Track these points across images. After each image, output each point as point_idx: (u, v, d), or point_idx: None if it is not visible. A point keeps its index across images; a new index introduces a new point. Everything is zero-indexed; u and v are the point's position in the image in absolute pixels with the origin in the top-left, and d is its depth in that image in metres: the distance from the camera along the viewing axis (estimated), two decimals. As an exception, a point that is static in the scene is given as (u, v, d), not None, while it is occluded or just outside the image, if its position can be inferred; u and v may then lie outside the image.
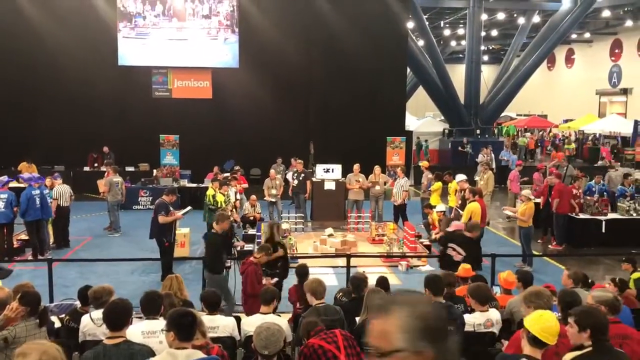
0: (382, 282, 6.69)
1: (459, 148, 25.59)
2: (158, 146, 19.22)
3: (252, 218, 14.25)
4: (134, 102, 21.06)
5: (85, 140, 20.04)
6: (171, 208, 10.88)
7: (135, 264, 11.29)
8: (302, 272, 7.10)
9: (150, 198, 17.50)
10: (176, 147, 19.22)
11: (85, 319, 5.46)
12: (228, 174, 15.94)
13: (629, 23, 33.12)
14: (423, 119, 33.83)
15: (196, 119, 21.02)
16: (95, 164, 20.02)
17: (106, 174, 15.62)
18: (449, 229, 9.56)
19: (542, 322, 3.83)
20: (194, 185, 18.29)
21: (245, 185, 16.25)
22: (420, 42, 27.51)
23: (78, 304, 6.19)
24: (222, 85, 21.61)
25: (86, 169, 19.91)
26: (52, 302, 7.59)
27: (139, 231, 14.44)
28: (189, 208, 11.72)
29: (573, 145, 33.84)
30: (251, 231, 13.43)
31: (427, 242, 13.24)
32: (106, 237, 14.25)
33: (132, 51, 21.25)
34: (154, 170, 19.04)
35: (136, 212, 17.13)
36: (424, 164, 16.89)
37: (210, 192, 12.53)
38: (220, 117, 21.24)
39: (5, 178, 12.88)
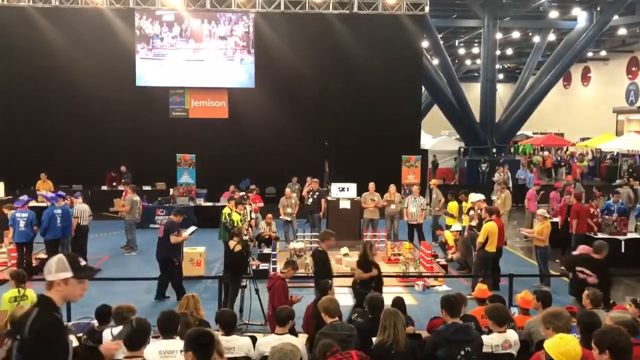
0: (399, 303, 6.65)
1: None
2: (175, 165, 19.40)
3: (267, 237, 14.28)
4: (152, 122, 21.34)
5: (103, 160, 20.31)
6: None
7: (151, 283, 11.32)
8: (324, 288, 7.14)
9: (167, 217, 17.59)
10: (192, 166, 19.38)
11: (106, 335, 5.50)
12: (244, 193, 16.02)
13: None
14: (438, 137, 33.80)
15: (212, 138, 21.23)
16: (114, 183, 20.23)
17: (124, 192, 15.78)
18: (575, 253, 9.16)
19: (562, 346, 3.77)
20: (210, 204, 18.40)
21: (261, 204, 16.30)
22: (435, 61, 27.61)
23: (95, 323, 6.23)
24: (238, 105, 21.83)
25: (104, 188, 20.13)
26: (69, 321, 7.64)
27: (155, 250, 14.53)
28: (194, 228, 11.73)
29: (585, 163, 33.55)
30: (266, 250, 13.45)
31: (443, 262, 13.16)
32: (123, 256, 14.35)
33: (149, 72, 21.59)
34: (171, 189, 19.20)
35: (153, 231, 17.12)
36: (434, 182, 16.84)
37: (226, 210, 12.59)
38: (236, 136, 21.43)
39: (25, 197, 13.07)
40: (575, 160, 34.88)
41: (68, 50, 20.79)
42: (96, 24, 21.03)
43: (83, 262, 3.57)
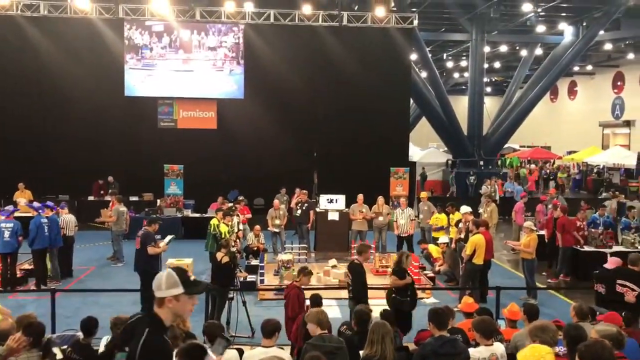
0: (387, 316, 6.64)
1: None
2: (162, 176, 19.31)
3: (255, 248, 14.22)
4: (140, 132, 21.27)
5: (90, 170, 20.16)
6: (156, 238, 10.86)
7: (138, 295, 11.21)
8: (316, 301, 7.14)
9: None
10: (180, 176, 19.30)
11: (102, 344, 5.47)
12: (232, 204, 15.96)
13: (630, 56, 33.46)
14: (426, 149, 33.96)
15: (201, 149, 21.19)
16: (101, 191, 20.08)
17: (111, 203, 15.68)
18: (607, 266, 8.97)
19: (534, 357, 3.77)
20: (198, 215, 18.31)
21: (249, 216, 16.25)
22: (424, 74, 27.80)
23: (80, 335, 6.16)
24: (227, 115, 21.83)
25: (91, 198, 19.98)
26: (54, 332, 7.55)
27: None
28: (170, 237, 11.57)
29: (564, 174, 33.87)
30: (254, 262, 13.38)
31: (431, 274, 13.17)
32: (109, 267, 14.22)
33: (138, 82, 21.55)
34: (158, 200, 19.09)
35: (139, 242, 17.10)
36: (424, 194, 16.91)
37: (214, 221, 12.54)
38: (225, 147, 21.40)
39: (11, 207, 12.94)
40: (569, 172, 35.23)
41: (56, 59, 20.71)
42: (85, 33, 20.98)
43: (192, 277, 3.44)
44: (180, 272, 3.36)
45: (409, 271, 8.97)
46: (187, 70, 21.66)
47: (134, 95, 21.47)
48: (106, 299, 10.85)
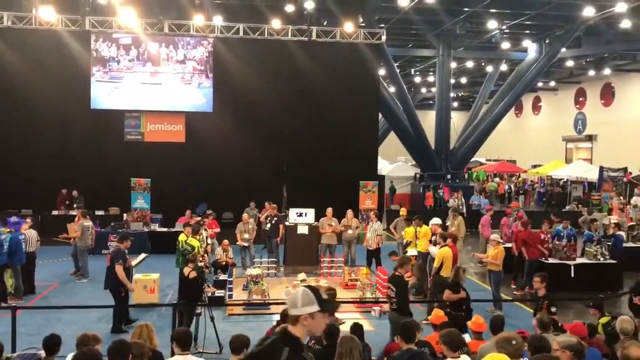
0: (357, 329, 6.64)
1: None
2: (129, 190, 19.03)
3: (224, 263, 14.09)
4: (106, 146, 20.96)
5: (55, 184, 19.77)
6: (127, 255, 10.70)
7: (103, 312, 10.99)
8: (284, 315, 7.11)
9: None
10: (147, 190, 19.06)
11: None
12: (200, 218, 15.80)
13: (591, 72, 34.49)
14: (395, 163, 34.27)
15: (169, 162, 20.97)
16: (67, 201, 19.67)
17: (77, 218, 15.37)
18: None
19: None
20: (165, 229, 18.08)
21: (217, 230, 16.12)
22: (392, 89, 28.13)
23: (42, 353, 5.99)
24: (196, 129, 21.69)
25: (55, 212, 19.56)
26: (14, 352, 7.33)
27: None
28: (143, 256, 11.43)
29: (493, 185, 34.66)
30: (222, 277, 13.26)
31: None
32: (73, 283, 13.90)
33: (105, 95, 21.27)
34: (125, 214, 18.80)
35: (105, 257, 16.80)
36: (403, 211, 17.02)
37: (182, 237, 12.38)
38: (193, 160, 21.23)
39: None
40: (527, 187, 35.87)
41: (21, 71, 20.34)
42: (51, 45, 20.65)
43: (325, 295, 3.41)
44: (315, 290, 3.35)
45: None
46: (155, 84, 21.49)
47: (100, 108, 21.18)
48: (70, 315, 10.60)
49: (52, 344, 5.89)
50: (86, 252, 14.46)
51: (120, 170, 19.93)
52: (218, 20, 22.01)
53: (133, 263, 10.77)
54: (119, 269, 10.25)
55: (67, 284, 13.77)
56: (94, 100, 21.13)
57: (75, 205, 18.51)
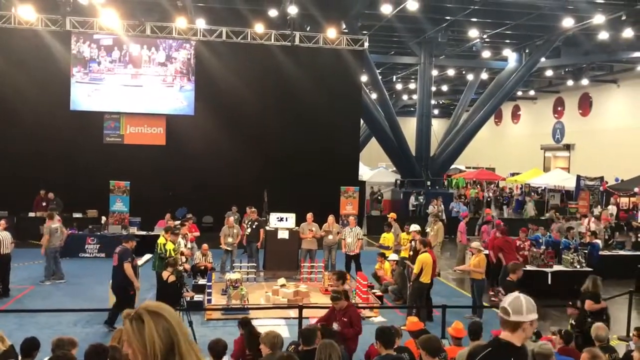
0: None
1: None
2: (108, 192, 18.82)
3: (203, 267, 14.00)
4: (85, 148, 20.69)
5: (32, 185, 19.46)
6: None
7: (79, 315, 10.85)
8: (245, 322, 7.13)
9: (98, 246, 17.10)
10: (127, 193, 18.86)
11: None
12: (179, 222, 15.68)
13: (570, 82, 35.02)
14: (376, 169, 34.40)
15: (149, 165, 20.79)
16: (44, 203, 19.36)
17: (47, 221, 15.10)
18: None
19: None
20: (144, 232, 17.90)
21: (197, 234, 16.02)
22: (374, 95, 28.26)
23: (19, 358, 5.89)
24: (177, 132, 21.55)
25: (31, 214, 19.26)
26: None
27: (84, 279, 14.03)
28: (148, 256, 11.46)
29: (474, 191, 34.92)
30: (202, 281, 13.16)
31: (379, 293, 13.26)
32: (49, 286, 13.69)
33: (84, 96, 21.03)
34: (103, 217, 18.58)
35: (83, 260, 16.62)
36: (392, 215, 17.08)
37: (161, 240, 12.26)
38: (174, 164, 21.07)
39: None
40: (506, 195, 36.19)
41: (0, 69, 20.03)
42: (30, 45, 20.38)
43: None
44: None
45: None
46: (135, 86, 21.31)
47: (79, 110, 20.94)
48: (45, 319, 10.44)
49: (31, 348, 5.78)
50: (55, 254, 14.11)
51: (99, 173, 19.70)
52: (200, 24, 21.94)
53: (139, 262, 10.78)
54: (127, 267, 10.36)
55: (42, 287, 13.55)
56: (74, 101, 20.88)
57: (49, 207, 18.22)
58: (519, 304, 3.28)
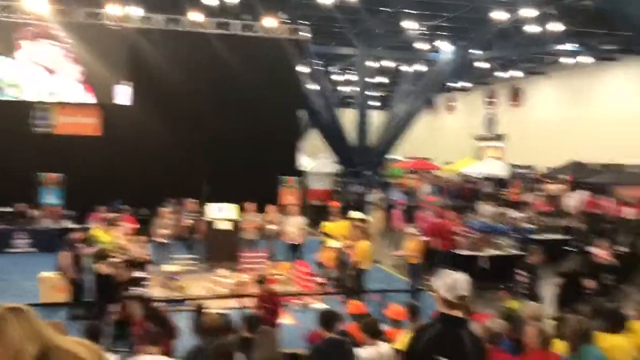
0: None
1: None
2: (37, 185, 18.02)
3: (141, 260, 13.65)
4: (10, 138, 19.68)
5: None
6: None
7: None
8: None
9: (29, 240, 16.42)
10: (59, 186, 18.14)
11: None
12: (115, 214, 15.26)
13: (501, 74, 36.20)
14: (317, 159, 34.50)
15: (83, 156, 19.97)
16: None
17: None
18: None
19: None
20: (78, 226, 17.27)
21: (135, 226, 15.62)
22: (314, 86, 28.30)
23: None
24: (113, 122, 20.84)
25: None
26: None
27: (13, 275, 13.46)
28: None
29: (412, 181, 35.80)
30: (139, 274, 12.84)
31: (321, 280, 13.36)
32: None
33: (11, 84, 20.03)
34: (33, 211, 17.81)
35: (11, 256, 15.93)
36: (333, 204, 17.21)
37: (96, 232, 11.90)
38: (110, 155, 20.36)
39: None
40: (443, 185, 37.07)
41: None
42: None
43: None
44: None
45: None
46: (69, 74, 20.49)
47: (4, 99, 19.93)
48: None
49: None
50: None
51: (27, 165, 18.80)
52: (136, 11, 21.26)
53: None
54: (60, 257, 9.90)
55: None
56: (-1, 90, 19.87)
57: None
58: (455, 281, 3.34)
